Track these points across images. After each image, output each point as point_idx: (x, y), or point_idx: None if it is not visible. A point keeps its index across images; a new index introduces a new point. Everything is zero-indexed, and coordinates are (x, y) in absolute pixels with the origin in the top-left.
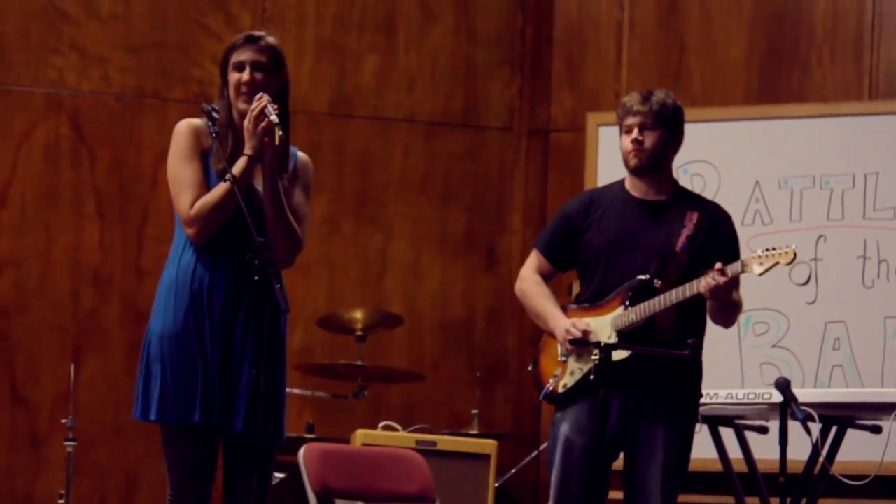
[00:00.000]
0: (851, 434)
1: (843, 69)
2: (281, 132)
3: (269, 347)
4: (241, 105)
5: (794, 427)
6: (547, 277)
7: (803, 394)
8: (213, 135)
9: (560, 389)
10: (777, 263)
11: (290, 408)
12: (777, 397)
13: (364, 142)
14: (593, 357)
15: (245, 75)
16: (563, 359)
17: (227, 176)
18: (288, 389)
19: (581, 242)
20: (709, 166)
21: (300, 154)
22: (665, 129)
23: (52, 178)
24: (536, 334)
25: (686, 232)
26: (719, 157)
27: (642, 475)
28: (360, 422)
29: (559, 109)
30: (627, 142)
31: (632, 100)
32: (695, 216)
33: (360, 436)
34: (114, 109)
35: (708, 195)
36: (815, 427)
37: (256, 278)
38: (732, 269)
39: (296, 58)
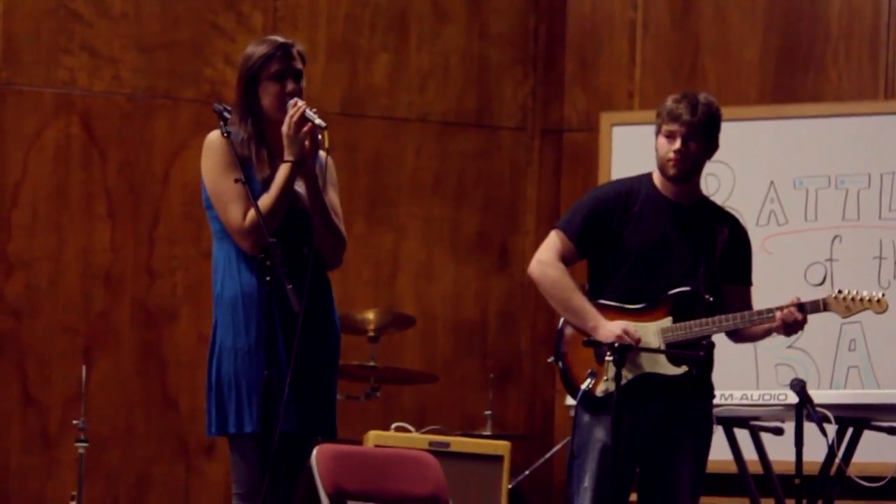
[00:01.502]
0: (868, 435)
1: (859, 68)
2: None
3: (321, 347)
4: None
5: (810, 428)
6: (567, 264)
7: (819, 395)
8: (225, 135)
9: (599, 393)
10: (866, 310)
11: None
12: (792, 398)
13: (376, 142)
14: (608, 358)
15: (290, 85)
16: (602, 360)
17: (286, 161)
18: None
19: (621, 235)
20: (723, 166)
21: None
22: (707, 140)
23: (63, 178)
24: (550, 335)
25: (721, 246)
26: (734, 157)
27: (673, 480)
28: (373, 423)
29: (572, 109)
30: (668, 148)
31: (679, 108)
32: (725, 230)
33: (373, 437)
34: (125, 109)
35: (723, 195)
36: (831, 428)
37: (268, 279)
38: (813, 306)
39: (308, 58)
